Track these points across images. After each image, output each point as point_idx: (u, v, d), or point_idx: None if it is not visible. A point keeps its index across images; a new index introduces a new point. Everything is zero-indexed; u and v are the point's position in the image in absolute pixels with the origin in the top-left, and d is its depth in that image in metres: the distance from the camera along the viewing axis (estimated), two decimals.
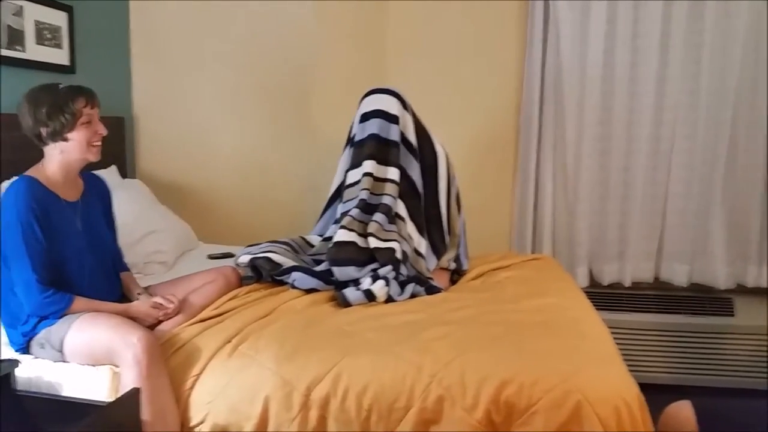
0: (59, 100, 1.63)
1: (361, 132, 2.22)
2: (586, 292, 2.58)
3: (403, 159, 2.23)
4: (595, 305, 2.13)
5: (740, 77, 2.70)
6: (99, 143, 1.71)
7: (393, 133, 2.19)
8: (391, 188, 2.18)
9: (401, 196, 2.20)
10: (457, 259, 2.34)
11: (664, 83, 2.76)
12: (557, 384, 1.43)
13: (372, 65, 2.93)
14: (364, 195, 2.15)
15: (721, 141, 2.74)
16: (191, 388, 1.54)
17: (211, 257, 2.53)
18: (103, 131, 1.71)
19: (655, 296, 2.88)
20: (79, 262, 1.70)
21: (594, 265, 2.90)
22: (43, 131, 1.64)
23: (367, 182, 2.15)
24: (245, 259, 2.12)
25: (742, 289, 2.83)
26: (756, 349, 2.75)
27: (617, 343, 1.82)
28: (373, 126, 2.19)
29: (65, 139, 1.65)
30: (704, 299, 2.84)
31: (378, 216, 2.13)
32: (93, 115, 1.69)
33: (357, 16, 2.92)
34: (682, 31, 2.71)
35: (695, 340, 2.77)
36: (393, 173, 2.19)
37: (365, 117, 2.22)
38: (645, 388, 1.70)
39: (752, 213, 2.76)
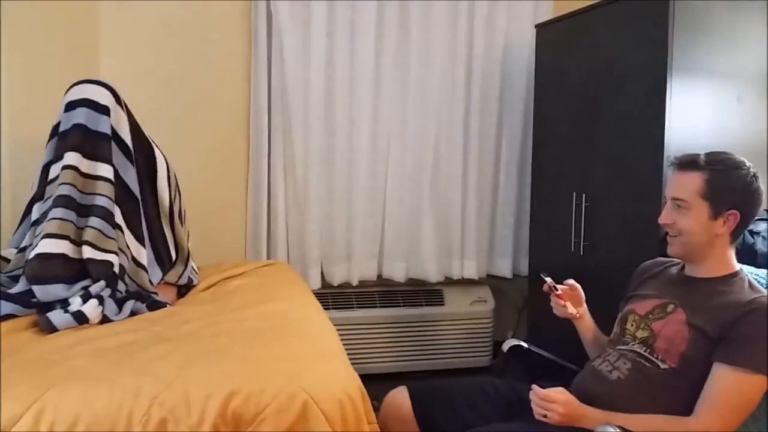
0: None
1: (65, 122, 1.93)
2: (319, 293, 2.69)
3: (115, 158, 1.99)
4: (326, 305, 2.24)
5: (439, 102, 3.06)
6: None
7: (102, 125, 1.94)
8: (104, 188, 1.93)
9: (116, 200, 1.97)
10: (186, 274, 2.24)
11: (379, 98, 3.02)
12: (284, 388, 1.45)
13: (83, 71, 2.63)
14: (64, 190, 1.85)
15: (426, 152, 3.09)
16: None
17: None
18: None
19: (379, 292, 3.13)
20: None
21: (325, 267, 3.03)
22: None
23: (68, 176, 1.87)
24: None
25: (449, 281, 3.23)
26: (462, 332, 3.18)
27: (348, 340, 1.93)
28: (79, 115, 1.92)
29: None
30: (419, 292, 3.18)
31: (95, 221, 1.87)
32: None
33: (61, 19, 2.56)
34: (394, 41, 2.98)
35: (413, 329, 3.09)
36: (105, 170, 1.94)
37: (70, 106, 1.93)
38: (374, 378, 1.84)
39: (453, 217, 3.16)
